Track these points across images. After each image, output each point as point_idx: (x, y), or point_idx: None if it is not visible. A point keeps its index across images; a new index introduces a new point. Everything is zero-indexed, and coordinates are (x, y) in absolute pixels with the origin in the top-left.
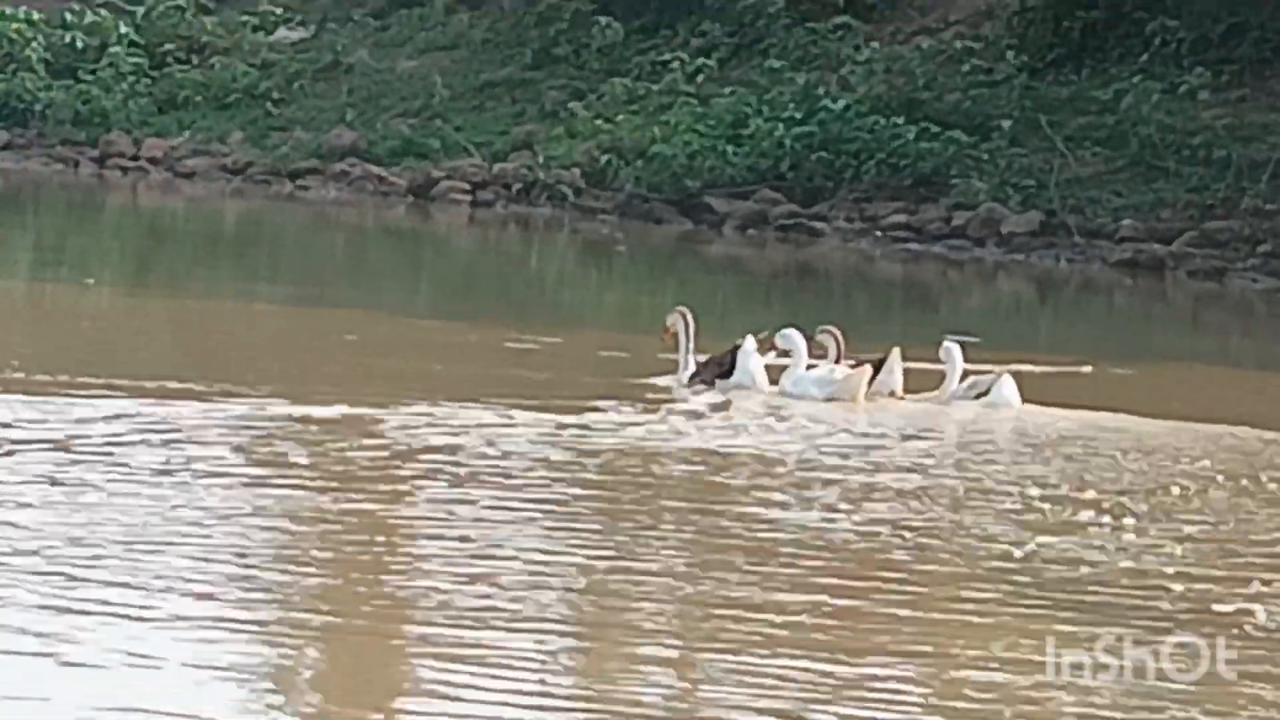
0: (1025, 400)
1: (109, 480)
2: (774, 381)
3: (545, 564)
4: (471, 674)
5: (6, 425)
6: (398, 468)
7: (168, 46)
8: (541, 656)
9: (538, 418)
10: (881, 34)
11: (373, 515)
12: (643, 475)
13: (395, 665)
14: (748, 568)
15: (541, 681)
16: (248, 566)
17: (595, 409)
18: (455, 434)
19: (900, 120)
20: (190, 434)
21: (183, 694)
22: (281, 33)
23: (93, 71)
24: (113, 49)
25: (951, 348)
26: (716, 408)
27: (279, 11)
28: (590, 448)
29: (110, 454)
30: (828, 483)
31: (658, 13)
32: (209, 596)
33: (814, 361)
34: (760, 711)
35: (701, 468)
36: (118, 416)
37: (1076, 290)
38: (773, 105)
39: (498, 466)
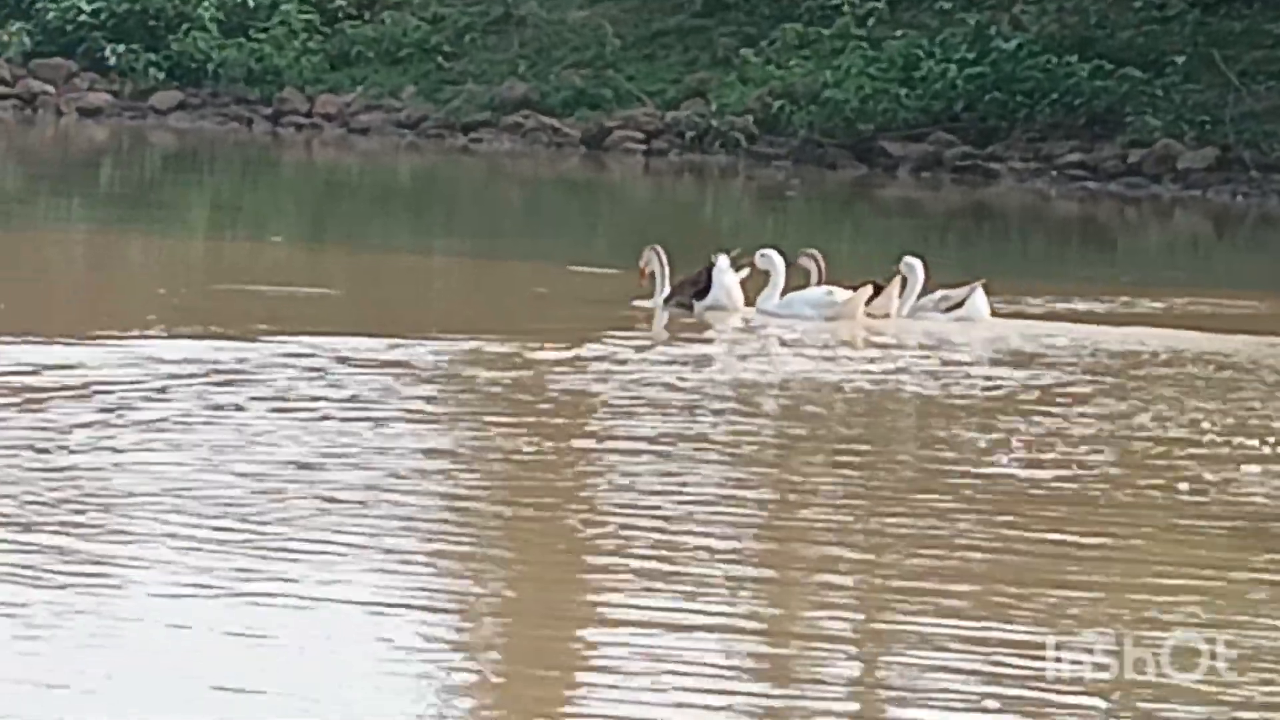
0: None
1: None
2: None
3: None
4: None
5: (204, 363)
6: (584, 407)
7: (339, 2)
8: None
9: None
10: None
11: (564, 450)
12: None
13: (592, 596)
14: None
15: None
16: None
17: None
18: (628, 372)
19: (1073, 59)
20: (372, 374)
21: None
22: None
23: (265, 29)
24: (284, 6)
25: (914, 263)
26: (747, 336)
27: None
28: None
29: (294, 395)
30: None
31: None
32: (411, 529)
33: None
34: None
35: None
36: (305, 354)
37: (1254, 225)
38: (945, 46)
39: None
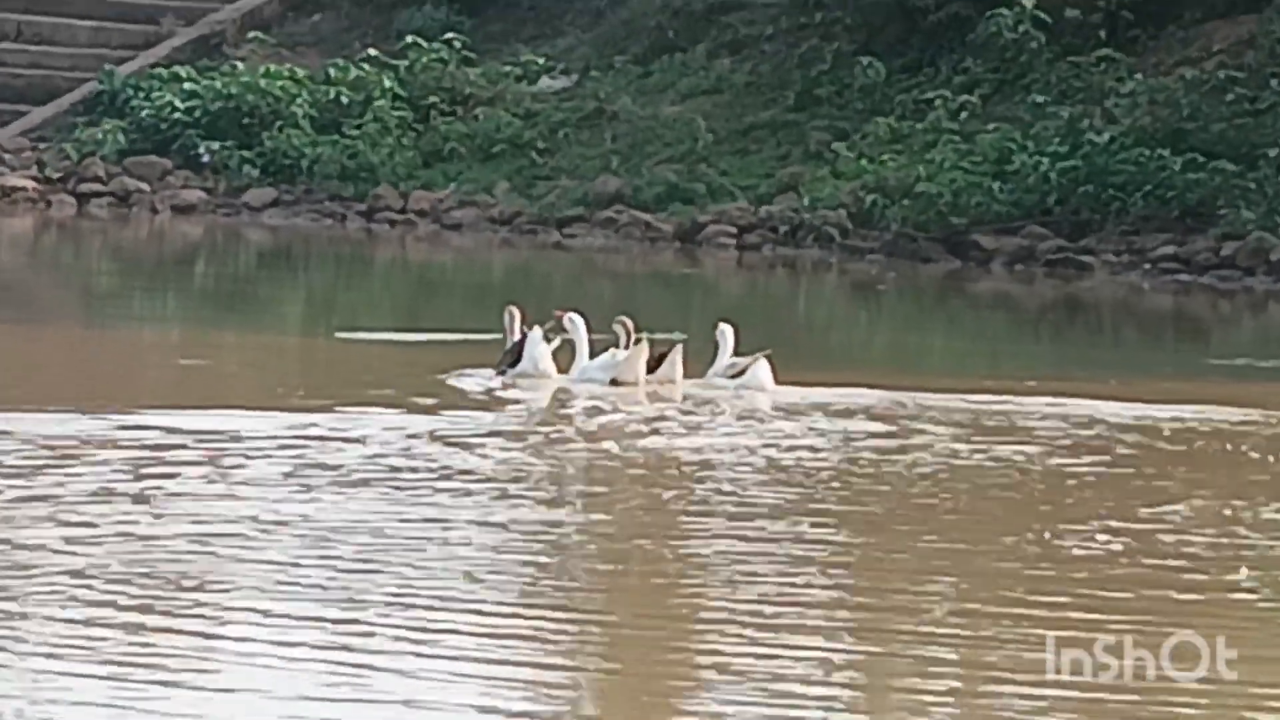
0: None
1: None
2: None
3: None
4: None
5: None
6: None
7: (431, 99)
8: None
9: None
10: (1144, 65)
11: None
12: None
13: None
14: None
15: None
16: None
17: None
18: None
19: (1165, 151)
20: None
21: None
22: (544, 82)
23: (358, 126)
24: (377, 103)
25: (725, 329)
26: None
27: (541, 61)
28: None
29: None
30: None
31: (920, 51)
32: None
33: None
34: None
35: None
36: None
37: None
38: (1037, 140)
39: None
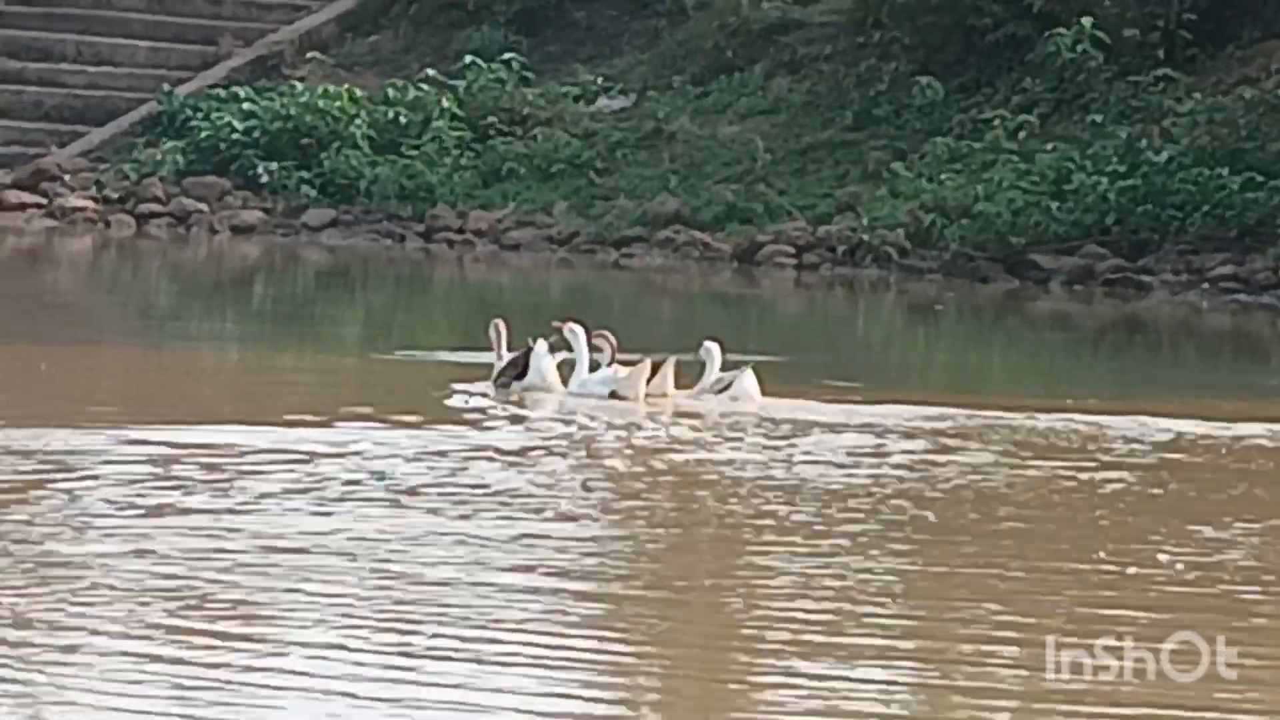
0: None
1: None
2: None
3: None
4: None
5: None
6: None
7: (490, 119)
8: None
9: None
10: (1202, 85)
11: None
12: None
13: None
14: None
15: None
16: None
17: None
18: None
19: (1224, 171)
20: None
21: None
22: (602, 102)
23: (416, 146)
24: (436, 123)
25: (711, 347)
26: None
27: (599, 81)
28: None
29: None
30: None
31: (978, 71)
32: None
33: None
34: None
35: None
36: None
37: None
38: (1096, 160)
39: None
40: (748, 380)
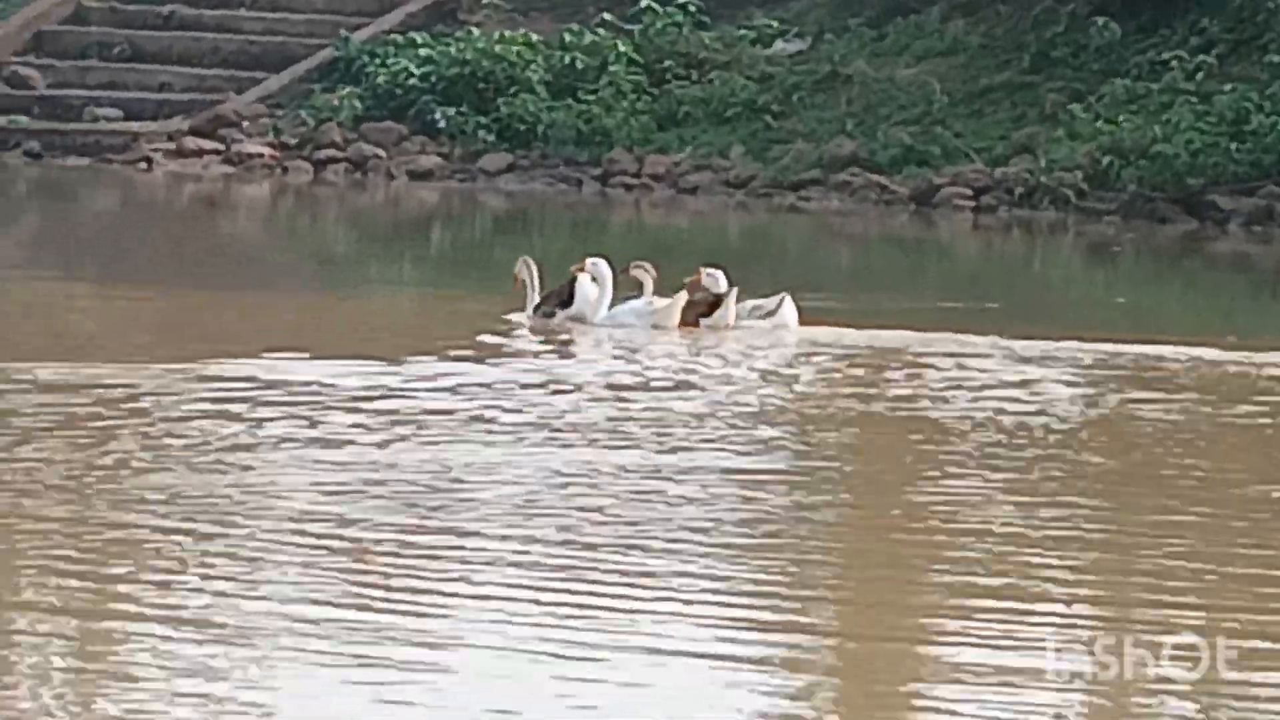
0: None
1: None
2: None
3: None
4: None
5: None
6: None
7: (666, 63)
8: None
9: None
10: None
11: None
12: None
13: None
14: None
15: None
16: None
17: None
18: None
19: None
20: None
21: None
22: (779, 45)
23: (593, 91)
24: (612, 68)
25: (716, 274)
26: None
27: (775, 24)
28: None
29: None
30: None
31: (1155, 11)
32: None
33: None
34: None
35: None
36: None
37: None
38: (1274, 100)
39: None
40: (787, 307)
